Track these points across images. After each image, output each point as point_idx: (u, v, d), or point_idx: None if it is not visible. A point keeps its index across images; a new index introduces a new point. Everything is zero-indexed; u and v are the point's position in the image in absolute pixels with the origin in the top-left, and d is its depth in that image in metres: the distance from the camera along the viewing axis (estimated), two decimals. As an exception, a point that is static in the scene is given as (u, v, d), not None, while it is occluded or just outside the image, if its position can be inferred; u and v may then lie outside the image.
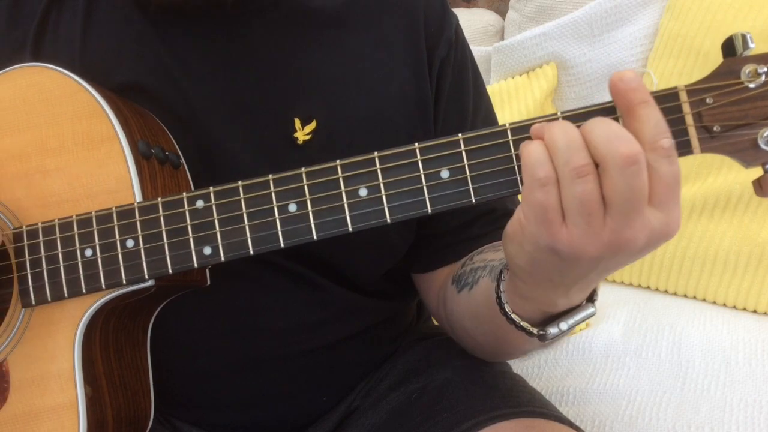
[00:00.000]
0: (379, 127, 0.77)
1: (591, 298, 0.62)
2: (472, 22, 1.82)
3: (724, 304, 1.20)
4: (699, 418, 0.92)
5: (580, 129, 0.51)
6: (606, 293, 1.33)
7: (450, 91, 0.81)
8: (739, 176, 1.19)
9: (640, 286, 1.32)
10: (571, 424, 0.73)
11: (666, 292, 1.28)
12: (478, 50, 1.65)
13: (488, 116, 0.88)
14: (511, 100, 1.53)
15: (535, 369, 1.16)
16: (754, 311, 1.18)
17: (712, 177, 1.23)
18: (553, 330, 0.62)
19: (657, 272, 1.27)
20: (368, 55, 0.78)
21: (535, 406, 0.74)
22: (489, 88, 1.54)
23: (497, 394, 0.76)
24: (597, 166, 0.50)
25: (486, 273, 0.73)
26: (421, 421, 0.74)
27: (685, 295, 1.25)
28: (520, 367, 1.17)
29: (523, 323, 0.63)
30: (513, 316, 0.63)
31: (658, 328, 1.14)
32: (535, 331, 0.63)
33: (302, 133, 0.74)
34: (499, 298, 0.64)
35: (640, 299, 1.27)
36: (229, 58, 0.75)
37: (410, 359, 0.87)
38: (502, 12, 1.86)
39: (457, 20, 0.85)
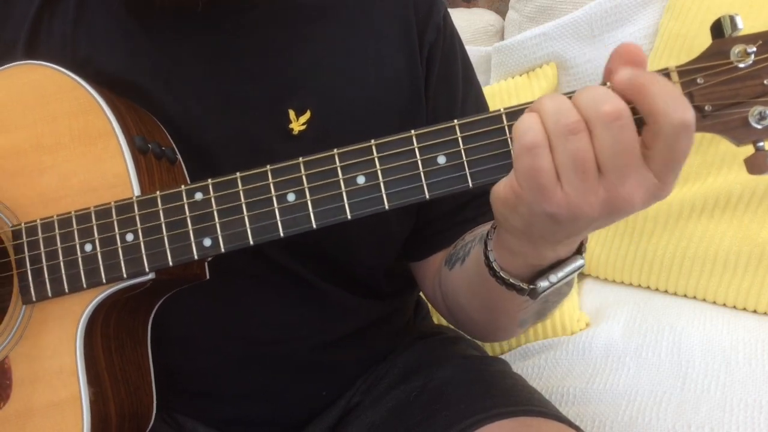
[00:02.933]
0: (373, 114, 0.77)
1: (579, 250, 0.62)
2: (472, 22, 1.82)
3: (724, 304, 1.20)
4: (699, 418, 0.91)
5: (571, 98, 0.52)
6: (606, 293, 1.33)
7: (439, 75, 0.82)
8: (739, 176, 1.19)
9: (640, 286, 1.31)
10: (570, 424, 0.73)
11: (666, 292, 1.27)
12: (478, 50, 1.65)
13: (478, 100, 0.89)
14: (511, 100, 1.52)
15: (535, 369, 1.16)
16: (754, 311, 1.17)
17: (712, 177, 1.22)
18: (543, 283, 0.61)
19: (657, 272, 1.26)
20: (360, 43, 0.79)
21: (534, 405, 0.74)
22: (489, 88, 1.55)
23: (497, 393, 0.76)
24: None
25: (476, 242, 0.73)
26: (421, 419, 0.74)
27: (685, 295, 1.24)
28: (520, 367, 1.17)
29: (512, 280, 0.62)
30: (502, 273, 0.63)
31: (658, 328, 1.14)
32: (525, 286, 0.62)
33: (297, 124, 0.74)
34: (487, 258, 0.64)
35: (640, 299, 1.26)
36: (221, 53, 0.75)
37: (410, 358, 0.88)
38: (502, 12, 1.85)
39: (446, 7, 0.86)
